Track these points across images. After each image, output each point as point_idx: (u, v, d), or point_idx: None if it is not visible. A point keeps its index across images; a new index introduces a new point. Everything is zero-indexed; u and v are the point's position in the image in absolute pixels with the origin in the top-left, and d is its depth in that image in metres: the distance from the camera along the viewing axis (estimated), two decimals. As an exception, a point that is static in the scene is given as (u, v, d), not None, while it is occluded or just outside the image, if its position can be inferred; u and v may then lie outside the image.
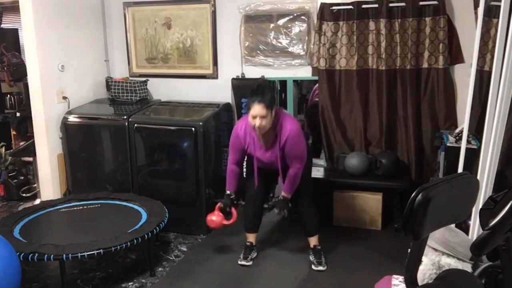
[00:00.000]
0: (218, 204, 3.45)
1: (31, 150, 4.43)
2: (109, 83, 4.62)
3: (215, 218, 3.42)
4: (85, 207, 3.66)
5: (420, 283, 1.67)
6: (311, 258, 3.35)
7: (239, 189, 3.45)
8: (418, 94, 3.93)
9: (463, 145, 3.02)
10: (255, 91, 3.07)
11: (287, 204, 3.29)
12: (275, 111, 3.09)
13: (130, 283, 3.18)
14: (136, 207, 3.61)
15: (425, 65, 3.87)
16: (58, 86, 4.25)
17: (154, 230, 3.17)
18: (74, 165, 4.27)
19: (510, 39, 2.43)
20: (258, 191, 3.38)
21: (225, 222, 3.43)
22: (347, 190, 3.97)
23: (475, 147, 3.11)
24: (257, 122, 3.01)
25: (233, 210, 3.45)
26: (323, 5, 3.98)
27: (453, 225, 2.24)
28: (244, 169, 4.37)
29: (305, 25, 4.14)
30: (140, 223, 3.28)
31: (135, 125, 3.99)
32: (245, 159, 4.36)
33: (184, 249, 3.69)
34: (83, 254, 2.83)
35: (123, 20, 4.73)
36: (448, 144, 3.41)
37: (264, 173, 3.35)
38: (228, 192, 3.40)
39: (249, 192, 3.44)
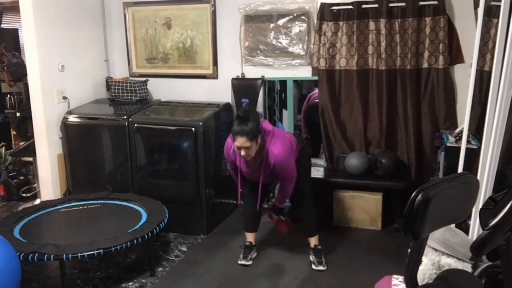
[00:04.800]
0: (269, 214, 3.51)
1: (31, 150, 4.43)
2: (109, 83, 4.62)
3: (283, 225, 3.44)
4: (85, 207, 3.66)
5: (420, 283, 1.67)
6: (311, 258, 3.35)
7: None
8: (418, 94, 3.93)
9: (463, 145, 3.02)
10: (239, 119, 3.00)
11: (279, 211, 3.46)
12: (261, 137, 3.05)
13: (130, 283, 3.18)
14: (136, 207, 3.61)
15: (425, 65, 3.87)
16: (58, 86, 4.25)
17: (154, 230, 3.17)
18: (74, 165, 4.27)
19: (510, 39, 2.43)
20: (251, 191, 3.37)
21: (291, 225, 3.47)
22: (347, 190, 3.96)
23: (475, 147, 3.11)
24: (242, 152, 3.01)
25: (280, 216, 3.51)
26: (323, 5, 3.98)
27: (453, 225, 2.24)
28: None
29: (305, 25, 4.14)
30: (140, 223, 3.28)
31: (135, 125, 3.99)
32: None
33: (184, 249, 3.69)
34: (83, 254, 2.83)
35: (123, 20, 4.73)
36: (448, 144, 3.41)
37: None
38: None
39: (245, 193, 3.43)
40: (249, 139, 2.96)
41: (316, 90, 4.52)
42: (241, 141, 2.96)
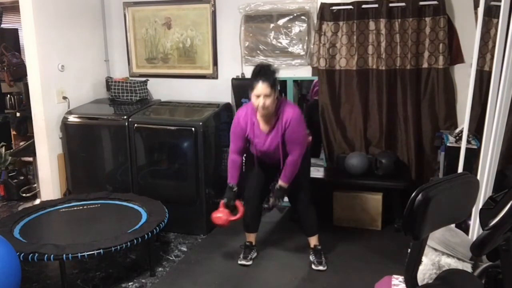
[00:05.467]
0: (222, 201, 3.31)
1: (31, 150, 4.42)
2: (109, 83, 4.62)
3: (220, 215, 3.26)
4: (85, 207, 3.66)
5: (420, 283, 1.67)
6: (311, 258, 3.35)
7: (241, 182, 3.35)
8: (418, 94, 3.93)
9: (463, 145, 3.02)
10: (257, 71, 3.01)
11: (283, 193, 3.23)
12: (278, 95, 3.04)
13: (130, 283, 3.18)
14: (136, 207, 3.61)
15: (425, 65, 3.87)
16: (58, 86, 4.25)
17: (154, 230, 3.17)
18: (74, 165, 4.27)
19: (510, 39, 2.43)
20: (256, 191, 3.37)
21: (232, 218, 3.27)
22: (347, 190, 3.96)
23: (475, 147, 3.11)
24: (260, 101, 2.95)
25: (238, 204, 3.32)
26: (323, 5, 3.98)
27: (453, 225, 2.25)
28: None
29: (305, 25, 4.14)
30: (140, 223, 3.27)
31: (135, 125, 3.99)
32: (244, 155, 4.35)
33: (184, 249, 3.69)
34: (83, 254, 2.83)
35: (123, 20, 4.73)
36: (448, 144, 3.41)
37: (263, 170, 3.34)
38: (230, 184, 3.27)
39: (248, 192, 3.43)
40: (270, 85, 2.93)
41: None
42: (261, 87, 2.93)
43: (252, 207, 3.42)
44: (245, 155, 4.33)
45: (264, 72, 2.99)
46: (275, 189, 3.25)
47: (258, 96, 2.96)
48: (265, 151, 3.20)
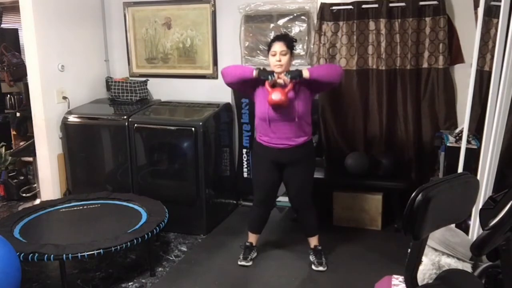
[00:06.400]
0: (267, 83, 3.07)
1: (31, 150, 4.42)
2: (109, 83, 4.62)
3: (277, 92, 2.97)
4: (85, 207, 3.66)
5: (420, 283, 1.67)
6: (312, 258, 3.35)
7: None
8: (418, 94, 3.93)
9: (463, 145, 3.02)
10: (276, 35, 3.27)
11: (298, 75, 3.04)
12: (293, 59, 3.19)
13: (130, 283, 3.18)
14: (136, 207, 3.61)
15: (425, 65, 3.87)
16: (58, 86, 4.25)
17: (154, 230, 3.17)
18: (74, 165, 4.27)
19: (510, 39, 2.43)
20: (266, 195, 3.33)
21: (287, 89, 3.02)
22: (347, 190, 3.96)
23: (475, 147, 3.11)
24: (277, 58, 3.06)
25: (278, 76, 3.09)
26: (323, 5, 3.98)
27: (453, 225, 2.24)
28: (245, 169, 4.40)
29: (305, 25, 4.14)
30: (140, 223, 3.28)
31: (135, 125, 3.99)
32: (248, 159, 4.35)
33: (184, 249, 3.69)
34: (83, 254, 2.83)
35: (123, 20, 4.73)
36: (448, 144, 3.41)
37: (272, 170, 3.24)
38: (255, 70, 3.11)
39: (260, 195, 3.36)
40: (286, 45, 3.09)
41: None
42: (278, 44, 3.09)
43: (260, 210, 3.40)
44: (248, 158, 4.34)
45: (281, 35, 3.27)
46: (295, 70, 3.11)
47: (274, 54, 3.09)
48: (279, 104, 3.00)
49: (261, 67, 3.24)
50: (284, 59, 3.09)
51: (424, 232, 1.48)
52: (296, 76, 3.05)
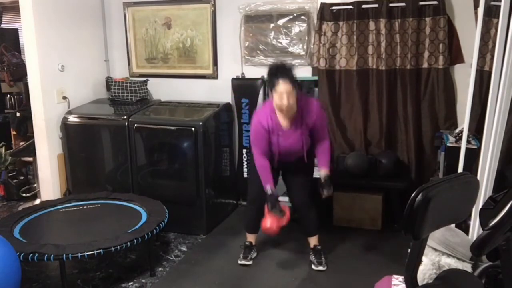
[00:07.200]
0: (266, 208, 3.15)
1: (31, 150, 4.42)
2: (109, 83, 4.62)
3: (270, 223, 3.10)
4: (85, 207, 3.66)
5: (420, 283, 1.67)
6: (311, 258, 3.35)
7: (275, 183, 3.25)
8: (418, 94, 3.93)
9: (463, 145, 3.02)
10: (275, 71, 2.99)
11: (331, 180, 3.17)
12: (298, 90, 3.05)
13: (130, 283, 3.18)
14: (136, 207, 3.61)
15: (425, 65, 3.87)
16: (58, 86, 4.25)
17: (154, 230, 3.17)
18: (74, 165, 4.27)
19: (510, 39, 2.43)
20: (260, 192, 3.35)
21: (282, 223, 3.13)
22: (347, 190, 3.96)
23: (475, 147, 3.11)
24: (284, 99, 2.92)
25: (284, 208, 3.17)
26: (323, 5, 3.98)
27: (453, 225, 2.24)
28: (245, 169, 4.40)
29: (305, 25, 4.14)
30: (140, 223, 3.28)
31: (135, 125, 3.99)
32: (248, 159, 4.34)
33: (184, 249, 3.69)
34: (83, 254, 2.83)
35: (123, 20, 4.73)
36: (448, 144, 3.41)
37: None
38: (269, 190, 3.10)
39: (252, 193, 3.41)
40: (291, 83, 2.94)
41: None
42: (283, 85, 2.92)
43: (255, 208, 3.41)
44: (248, 158, 4.34)
45: (282, 70, 2.99)
46: (324, 180, 3.15)
47: (281, 96, 2.94)
48: (288, 147, 3.14)
49: (269, 189, 3.10)
50: (292, 98, 2.95)
51: (424, 232, 1.48)
52: (331, 182, 3.16)
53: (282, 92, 2.93)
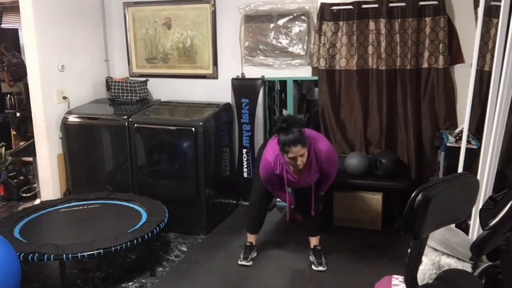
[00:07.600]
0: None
1: (31, 150, 4.42)
2: (109, 83, 4.62)
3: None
4: (85, 207, 3.66)
5: (420, 283, 1.67)
6: (311, 258, 3.35)
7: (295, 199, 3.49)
8: (418, 94, 3.93)
9: (463, 145, 3.02)
10: (284, 130, 2.88)
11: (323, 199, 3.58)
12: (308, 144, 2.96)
13: (130, 283, 3.18)
14: (136, 207, 3.61)
15: (425, 65, 3.87)
16: (58, 86, 4.25)
17: (154, 230, 3.17)
18: (74, 165, 4.27)
19: (510, 39, 2.43)
20: (262, 193, 3.35)
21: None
22: (347, 190, 3.96)
23: (475, 147, 3.11)
24: (298, 161, 2.89)
25: (298, 217, 3.59)
26: (323, 5, 3.98)
27: (453, 225, 2.24)
28: (245, 169, 4.40)
29: (305, 25, 4.14)
30: (140, 223, 3.28)
31: (135, 125, 3.99)
32: (248, 159, 4.35)
33: (184, 249, 3.69)
34: (83, 254, 2.83)
35: (123, 20, 4.73)
36: (448, 144, 3.41)
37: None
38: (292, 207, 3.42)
39: (254, 195, 3.41)
40: (303, 145, 2.86)
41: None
42: (296, 150, 2.85)
43: (258, 208, 3.41)
44: (248, 158, 4.35)
45: (292, 133, 2.86)
46: (317, 197, 3.31)
47: (293, 158, 2.90)
48: (296, 184, 3.20)
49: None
50: (305, 157, 2.92)
51: (424, 232, 1.48)
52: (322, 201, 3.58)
53: (295, 156, 2.89)
